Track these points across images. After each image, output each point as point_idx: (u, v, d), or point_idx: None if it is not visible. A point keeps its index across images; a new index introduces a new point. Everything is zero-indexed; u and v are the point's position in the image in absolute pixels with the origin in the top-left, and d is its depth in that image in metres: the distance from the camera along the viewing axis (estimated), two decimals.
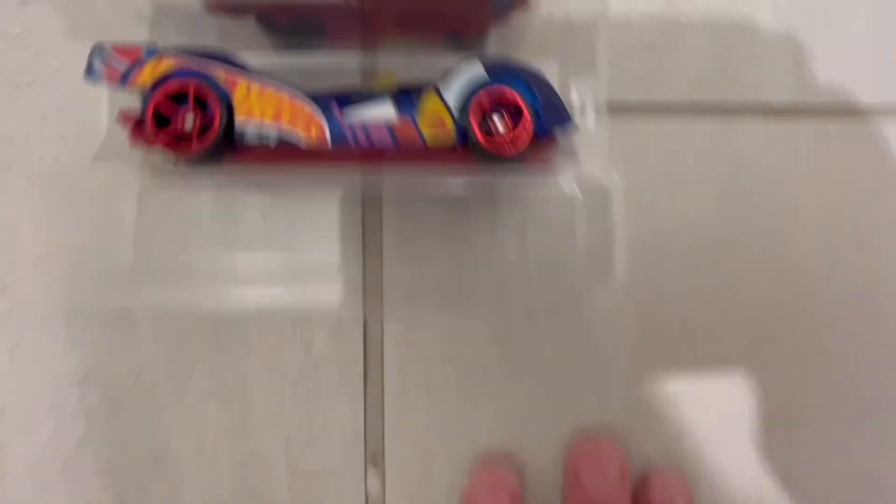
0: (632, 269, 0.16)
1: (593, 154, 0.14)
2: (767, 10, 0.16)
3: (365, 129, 0.10)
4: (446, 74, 0.10)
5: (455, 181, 0.11)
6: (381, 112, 0.10)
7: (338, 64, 0.12)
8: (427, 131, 0.10)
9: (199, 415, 0.15)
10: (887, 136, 0.17)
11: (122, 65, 0.10)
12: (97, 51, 0.10)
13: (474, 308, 0.16)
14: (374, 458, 0.15)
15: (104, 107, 0.13)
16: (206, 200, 0.14)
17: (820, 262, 0.16)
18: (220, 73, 0.10)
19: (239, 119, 0.10)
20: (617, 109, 0.16)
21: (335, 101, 0.11)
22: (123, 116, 0.10)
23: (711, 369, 0.16)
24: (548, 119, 0.10)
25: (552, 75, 0.12)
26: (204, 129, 0.10)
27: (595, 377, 0.16)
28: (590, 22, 0.15)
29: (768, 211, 0.16)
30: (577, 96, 0.13)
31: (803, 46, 0.16)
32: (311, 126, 0.10)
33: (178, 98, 0.10)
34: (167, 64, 0.10)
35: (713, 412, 0.16)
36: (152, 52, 0.10)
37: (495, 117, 0.10)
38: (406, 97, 0.11)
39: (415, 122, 0.10)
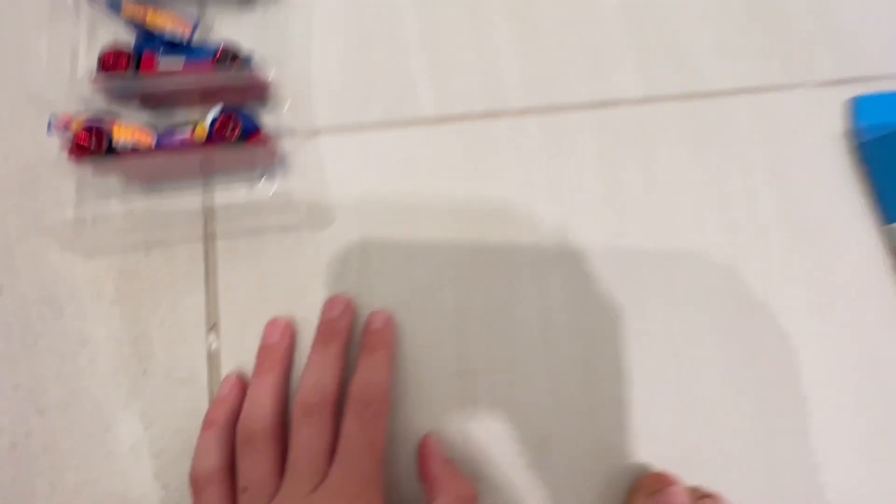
0: (347, 215, 0.29)
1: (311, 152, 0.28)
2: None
3: (171, 140, 0.24)
4: (207, 115, 0.24)
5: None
6: (181, 135, 0.24)
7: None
8: (197, 136, 0.24)
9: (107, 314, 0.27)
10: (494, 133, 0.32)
11: (62, 123, 0.24)
12: (52, 118, 0.24)
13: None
14: (214, 327, 0.27)
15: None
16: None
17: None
18: (107, 120, 0.24)
19: (115, 140, 0.24)
20: (338, 129, 0.30)
21: (164, 133, 0.24)
22: (64, 146, 0.24)
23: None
24: (250, 128, 0.24)
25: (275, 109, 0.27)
26: (99, 145, 0.23)
27: (334, 273, 0.28)
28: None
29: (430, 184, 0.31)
30: (290, 122, 0.27)
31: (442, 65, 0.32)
32: (147, 139, 0.24)
33: (89, 131, 0.23)
34: (82, 120, 0.24)
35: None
36: (76, 117, 0.24)
37: (225, 127, 0.24)
38: (193, 127, 0.25)
39: (193, 134, 0.24)
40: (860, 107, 0.36)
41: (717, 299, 0.30)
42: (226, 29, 0.30)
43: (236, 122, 0.24)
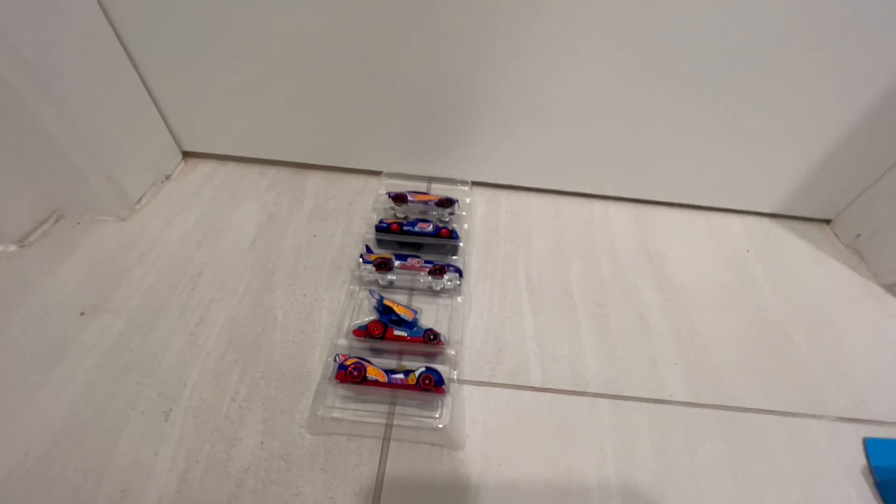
0: (474, 444, 0.44)
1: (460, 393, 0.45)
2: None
3: (394, 380, 0.43)
4: (417, 371, 0.44)
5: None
6: (400, 376, 0.43)
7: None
8: (410, 381, 0.42)
9: None
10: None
11: (342, 358, 0.44)
12: (336, 355, 0.45)
13: None
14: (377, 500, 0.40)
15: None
16: None
17: None
18: (365, 363, 0.44)
19: (368, 374, 0.43)
20: (476, 383, 0.48)
21: (387, 371, 0.44)
22: (337, 374, 0.44)
23: None
24: (439, 382, 0.42)
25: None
26: (360, 376, 0.43)
27: (459, 484, 0.41)
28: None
29: None
30: (450, 374, 0.45)
31: (547, 352, 0.49)
32: (383, 377, 0.43)
33: (357, 368, 0.43)
34: (353, 359, 0.44)
35: None
36: (349, 356, 0.45)
37: (426, 380, 0.42)
38: (407, 372, 0.44)
39: (407, 378, 0.43)
40: (872, 448, 0.46)
41: None
42: (427, 308, 0.53)
43: (432, 378, 0.42)
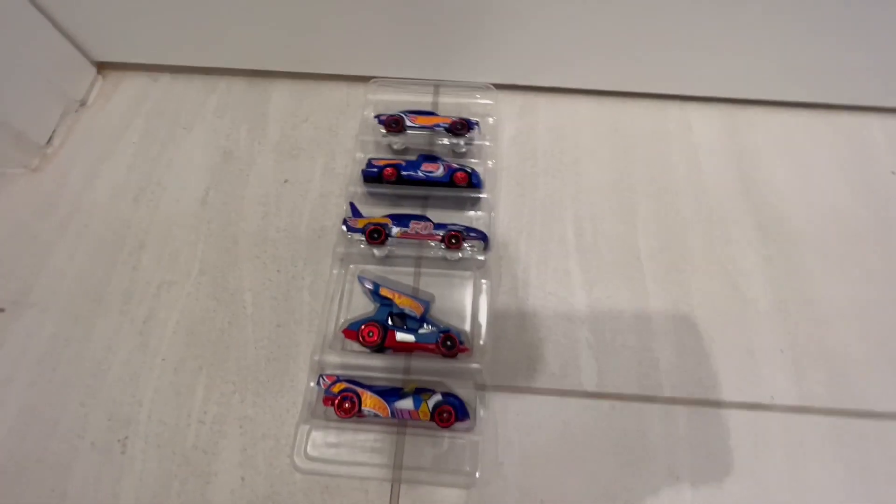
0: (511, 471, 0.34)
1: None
2: None
3: (401, 410, 0.31)
4: (432, 399, 0.32)
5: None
6: (407, 404, 0.32)
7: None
8: (420, 412, 0.31)
9: None
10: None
11: (329, 381, 0.32)
12: (321, 377, 0.33)
13: None
14: None
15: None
16: None
17: None
18: (362, 392, 0.32)
19: (363, 406, 0.31)
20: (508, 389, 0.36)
21: (390, 396, 0.32)
22: (324, 399, 0.32)
23: None
24: (462, 416, 0.31)
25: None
26: (353, 409, 0.31)
27: None
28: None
29: None
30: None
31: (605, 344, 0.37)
32: (384, 410, 0.31)
33: (350, 401, 0.32)
34: (342, 385, 0.32)
35: None
36: (338, 380, 0.32)
37: (443, 413, 0.31)
38: (418, 398, 0.32)
39: (418, 410, 0.31)
40: None
41: None
42: (439, 286, 0.39)
43: (452, 411, 0.31)
